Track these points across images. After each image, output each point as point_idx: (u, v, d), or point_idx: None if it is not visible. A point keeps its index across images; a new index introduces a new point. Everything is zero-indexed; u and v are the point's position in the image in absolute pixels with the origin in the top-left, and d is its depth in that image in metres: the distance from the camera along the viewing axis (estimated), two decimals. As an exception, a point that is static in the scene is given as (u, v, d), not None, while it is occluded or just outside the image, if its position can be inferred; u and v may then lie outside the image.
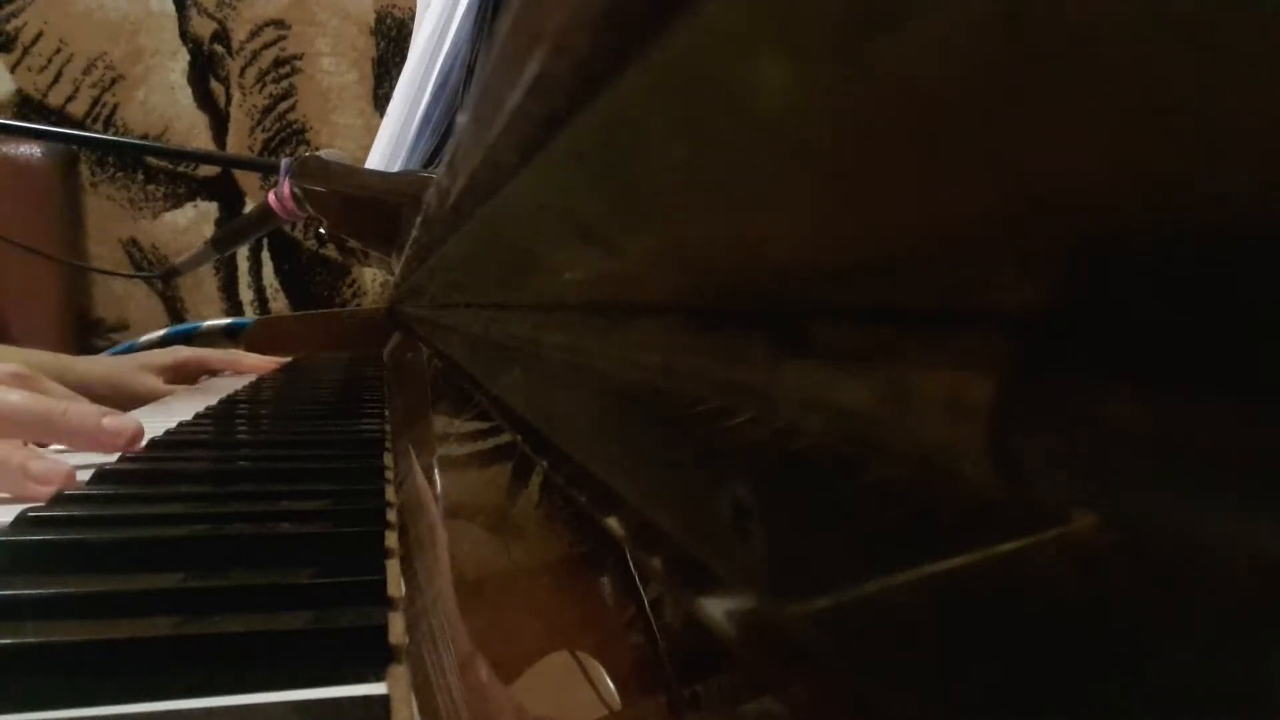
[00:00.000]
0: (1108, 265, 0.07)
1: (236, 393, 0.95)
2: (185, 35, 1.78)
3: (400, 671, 0.29)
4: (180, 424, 0.74)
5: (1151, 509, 0.06)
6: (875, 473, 0.10)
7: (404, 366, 0.95)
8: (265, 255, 1.85)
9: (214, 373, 1.23)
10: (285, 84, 1.81)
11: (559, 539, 0.27)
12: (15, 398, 0.57)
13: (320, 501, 0.47)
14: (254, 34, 1.80)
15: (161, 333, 1.55)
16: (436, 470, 0.45)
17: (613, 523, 0.21)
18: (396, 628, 0.31)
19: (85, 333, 1.75)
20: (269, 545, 0.40)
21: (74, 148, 1.71)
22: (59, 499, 0.47)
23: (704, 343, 0.14)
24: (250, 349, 1.27)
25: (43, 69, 1.73)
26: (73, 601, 0.32)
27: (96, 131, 1.74)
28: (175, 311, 1.82)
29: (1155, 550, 0.07)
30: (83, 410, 0.58)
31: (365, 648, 0.30)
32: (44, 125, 1.63)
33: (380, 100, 1.80)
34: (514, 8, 0.12)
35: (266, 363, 1.23)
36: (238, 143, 1.81)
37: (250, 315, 1.80)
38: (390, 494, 0.50)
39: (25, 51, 1.72)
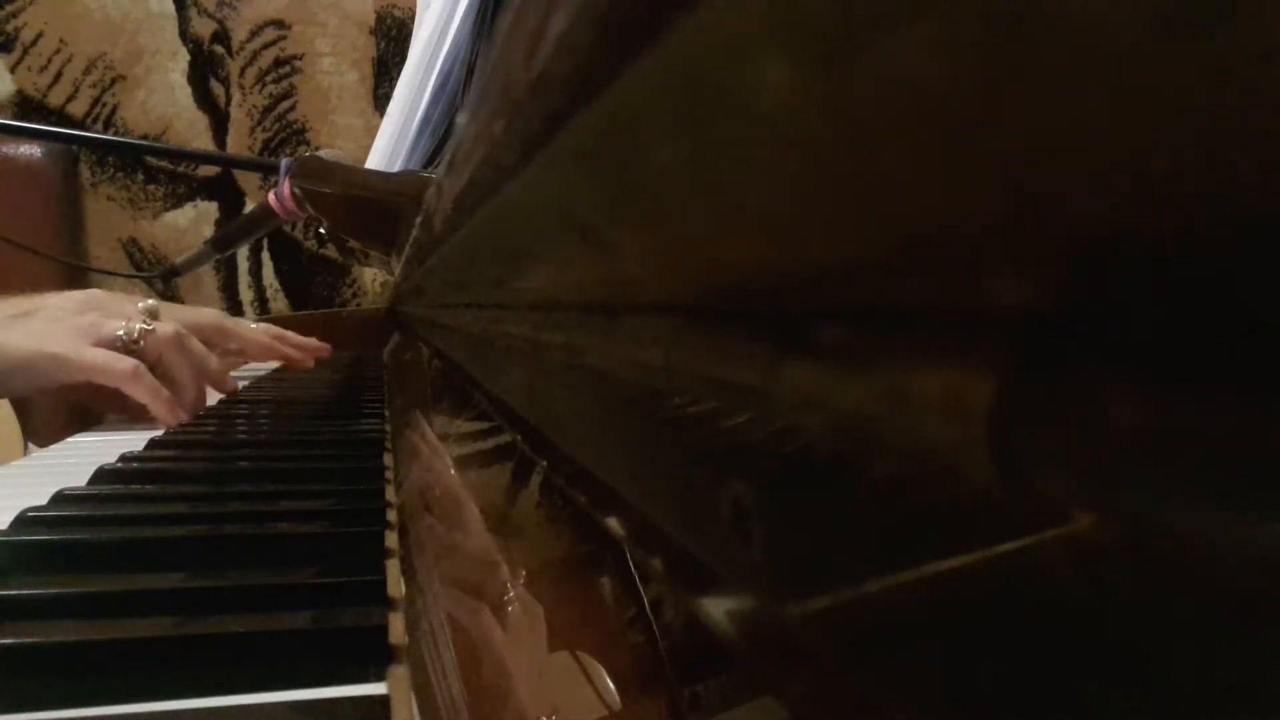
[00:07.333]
0: (1107, 264, 0.07)
1: (236, 393, 0.94)
2: (185, 35, 1.78)
3: (400, 671, 0.29)
4: (180, 424, 0.74)
5: (1151, 509, 0.06)
6: (875, 473, 0.10)
7: (404, 366, 0.95)
8: (265, 255, 1.85)
9: None
10: (285, 84, 1.81)
11: (559, 539, 0.27)
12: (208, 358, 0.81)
13: (320, 501, 0.47)
14: (254, 34, 1.80)
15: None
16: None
17: (613, 523, 0.21)
18: (396, 628, 0.31)
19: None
20: (269, 545, 0.40)
21: (74, 148, 1.71)
22: (58, 498, 0.47)
23: (704, 343, 0.14)
24: None
25: (43, 69, 1.73)
26: (73, 601, 0.32)
27: (96, 131, 1.74)
28: (175, 311, 1.82)
29: (1155, 550, 0.07)
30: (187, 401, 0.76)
31: (365, 648, 0.30)
32: (44, 125, 1.63)
33: (380, 100, 1.80)
34: (514, 8, 0.12)
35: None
36: (238, 143, 1.81)
37: (250, 315, 1.80)
38: (390, 494, 0.50)
39: (25, 51, 1.72)
